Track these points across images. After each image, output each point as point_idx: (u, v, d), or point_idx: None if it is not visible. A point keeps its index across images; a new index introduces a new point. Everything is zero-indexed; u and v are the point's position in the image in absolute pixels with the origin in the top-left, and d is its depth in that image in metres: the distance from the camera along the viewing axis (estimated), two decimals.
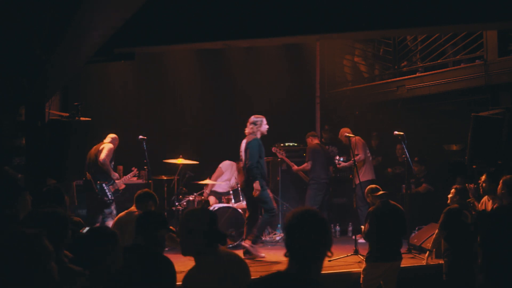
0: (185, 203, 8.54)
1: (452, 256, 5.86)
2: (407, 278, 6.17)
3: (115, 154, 8.06)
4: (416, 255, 7.17)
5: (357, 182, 8.20)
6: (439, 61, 8.40)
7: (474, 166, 6.72)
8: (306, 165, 8.90)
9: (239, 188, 8.09)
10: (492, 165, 6.33)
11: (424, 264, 6.39)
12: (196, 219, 3.09)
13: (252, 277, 3.21)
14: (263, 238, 8.65)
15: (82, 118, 5.89)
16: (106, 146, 7.88)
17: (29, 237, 2.10)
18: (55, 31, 3.91)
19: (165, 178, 8.70)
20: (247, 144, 7.56)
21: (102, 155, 7.77)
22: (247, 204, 7.84)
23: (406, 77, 8.96)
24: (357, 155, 8.60)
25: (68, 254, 3.11)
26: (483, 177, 5.90)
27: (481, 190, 5.98)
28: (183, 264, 3.37)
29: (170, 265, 3.49)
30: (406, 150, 7.71)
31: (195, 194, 8.76)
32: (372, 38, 9.70)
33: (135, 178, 8.93)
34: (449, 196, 6.07)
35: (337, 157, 9.16)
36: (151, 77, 10.29)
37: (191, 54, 10.11)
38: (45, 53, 4.39)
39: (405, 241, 6.86)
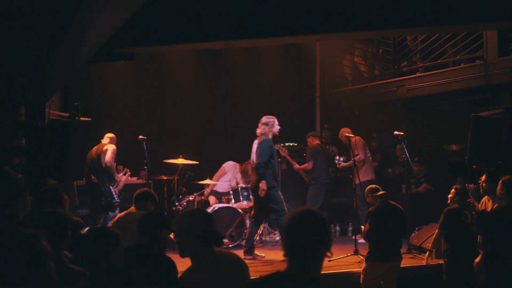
0: (185, 203, 8.55)
1: (452, 256, 5.86)
2: (407, 278, 6.17)
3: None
4: (416, 255, 7.16)
5: (357, 182, 8.20)
6: (439, 61, 8.40)
7: (474, 166, 6.72)
8: (308, 165, 8.90)
9: (250, 188, 8.07)
10: (492, 165, 6.33)
11: (424, 264, 6.39)
12: (191, 221, 3.10)
13: (252, 277, 3.21)
14: (263, 238, 8.66)
15: (82, 118, 5.89)
16: (110, 147, 7.82)
17: (27, 237, 2.10)
18: (55, 31, 3.91)
19: (165, 178, 8.70)
20: (259, 144, 7.56)
21: (107, 157, 7.72)
22: (254, 203, 7.81)
23: (406, 77, 8.95)
24: (357, 155, 8.60)
25: (68, 254, 3.11)
26: (483, 177, 5.90)
27: (481, 190, 5.98)
28: (183, 263, 3.36)
29: (171, 265, 3.49)
30: (406, 150, 7.71)
31: (195, 194, 8.76)
32: (372, 38, 9.69)
33: (135, 178, 8.93)
34: (449, 196, 6.07)
35: (337, 157, 9.16)
36: (151, 77, 10.29)
37: (191, 54, 10.11)
38: (45, 53, 4.39)
39: (405, 241, 6.86)
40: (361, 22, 4.86)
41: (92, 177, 7.68)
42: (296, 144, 9.71)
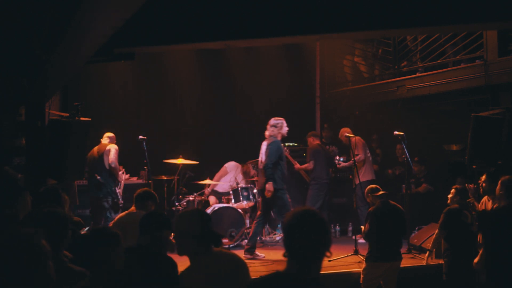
0: (185, 203, 8.54)
1: (452, 256, 5.86)
2: (407, 278, 6.17)
3: None
4: (416, 255, 7.16)
5: (357, 182, 8.20)
6: (439, 61, 8.40)
7: (474, 166, 6.71)
8: (308, 165, 8.90)
9: (257, 189, 8.06)
10: (492, 165, 6.33)
11: (424, 264, 6.39)
12: (188, 221, 3.11)
13: (252, 277, 3.21)
14: (263, 238, 8.66)
15: (82, 118, 5.89)
16: (112, 147, 7.80)
17: (27, 237, 2.10)
18: (55, 31, 3.91)
19: (165, 178, 8.70)
20: (267, 146, 7.55)
21: (112, 158, 7.70)
22: (261, 203, 7.78)
23: (406, 77, 8.95)
24: (357, 155, 8.60)
25: (68, 254, 3.11)
26: (483, 177, 5.90)
27: (481, 190, 5.98)
28: (184, 264, 3.36)
29: (171, 265, 3.49)
30: (406, 150, 7.71)
31: (195, 194, 8.76)
32: (372, 38, 9.69)
33: (135, 178, 8.93)
34: (449, 196, 6.07)
35: (337, 157, 9.16)
36: (151, 77, 10.29)
37: (191, 54, 10.11)
38: (45, 53, 4.39)
39: (405, 241, 6.86)
40: (361, 22, 4.86)
41: (98, 177, 7.63)
42: (296, 144, 9.71)
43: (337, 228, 9.19)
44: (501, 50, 7.22)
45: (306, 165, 8.98)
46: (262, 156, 7.64)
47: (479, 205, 6.07)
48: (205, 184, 8.99)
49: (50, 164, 5.65)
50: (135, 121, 10.00)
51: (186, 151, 8.86)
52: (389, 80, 9.37)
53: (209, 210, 8.32)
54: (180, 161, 8.48)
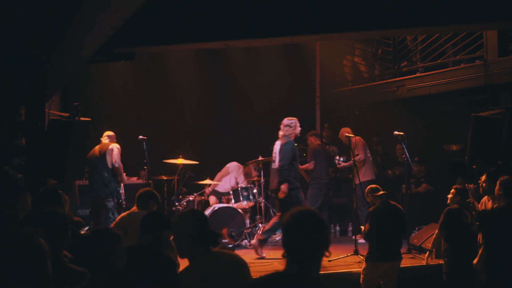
0: (185, 203, 8.54)
1: (452, 256, 5.86)
2: (407, 278, 6.17)
3: None
4: (416, 255, 7.16)
5: (357, 182, 8.20)
6: (439, 61, 8.40)
7: (474, 166, 6.71)
8: (309, 165, 8.90)
9: (270, 189, 8.06)
10: (492, 165, 6.33)
11: (424, 264, 6.39)
12: (183, 222, 3.12)
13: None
14: None
15: (82, 118, 5.89)
16: (115, 147, 7.78)
17: (27, 237, 2.10)
18: (55, 31, 3.91)
19: (165, 178, 8.70)
20: (282, 146, 7.55)
21: (115, 157, 7.68)
22: (280, 205, 7.70)
23: (406, 77, 8.95)
24: (357, 155, 8.60)
25: (68, 254, 3.11)
26: (483, 177, 5.90)
27: (481, 190, 5.98)
28: (184, 264, 3.37)
29: (171, 265, 3.49)
30: (406, 150, 7.71)
31: (195, 194, 8.76)
32: (372, 38, 9.69)
33: (135, 178, 8.93)
34: (449, 196, 6.06)
35: (337, 157, 9.16)
36: (151, 77, 10.29)
37: (191, 54, 10.11)
38: (45, 53, 4.39)
39: (405, 241, 6.86)
40: (361, 22, 4.86)
41: (106, 175, 7.59)
42: (296, 144, 9.69)
43: (337, 228, 9.19)
44: (501, 50, 7.22)
45: (306, 165, 8.97)
46: (275, 156, 7.63)
47: (479, 205, 6.06)
48: (205, 184, 8.99)
49: (50, 164, 5.65)
50: (135, 121, 10.00)
51: (186, 151, 8.86)
52: (389, 80, 9.37)
53: (209, 210, 8.32)
54: (180, 161, 8.48)
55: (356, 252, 7.20)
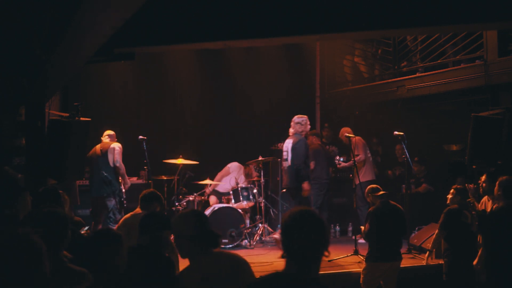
0: (185, 203, 8.54)
1: (452, 256, 5.86)
2: (407, 278, 6.17)
3: None
4: (416, 255, 7.16)
5: (357, 182, 8.19)
6: (439, 61, 8.40)
7: (474, 166, 6.72)
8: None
9: (283, 186, 8.05)
10: (492, 165, 6.33)
11: (424, 264, 6.39)
12: (183, 222, 3.12)
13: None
14: (263, 238, 8.66)
15: (82, 118, 5.89)
16: (116, 146, 7.75)
17: (25, 237, 2.10)
18: (55, 31, 3.91)
19: (165, 178, 8.70)
20: (294, 144, 7.56)
21: (117, 157, 7.66)
22: (295, 203, 7.70)
23: (406, 77, 8.95)
24: (358, 155, 8.60)
25: (67, 255, 3.11)
26: (483, 177, 5.90)
27: (481, 190, 5.98)
28: (185, 264, 3.37)
29: (170, 265, 3.49)
30: (406, 150, 7.71)
31: (195, 194, 8.75)
32: (372, 38, 9.69)
33: (135, 178, 8.93)
34: (449, 196, 6.06)
35: (337, 157, 9.15)
36: (151, 77, 10.29)
37: (191, 54, 10.11)
38: (45, 53, 4.39)
39: (405, 241, 6.86)
40: (361, 22, 4.86)
41: (105, 174, 7.59)
42: None
43: (337, 228, 9.19)
44: (501, 50, 7.22)
45: None
46: (287, 155, 7.63)
47: (479, 205, 6.06)
48: (205, 184, 8.99)
49: (50, 164, 5.65)
50: (135, 121, 9.99)
51: (186, 151, 8.86)
52: (389, 80, 9.37)
53: (209, 210, 8.32)
54: (180, 161, 8.48)
55: (356, 252, 7.20)
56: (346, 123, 9.70)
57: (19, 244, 2.07)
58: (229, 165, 9.34)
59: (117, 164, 7.66)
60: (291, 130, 7.70)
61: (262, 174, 9.08)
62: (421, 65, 8.81)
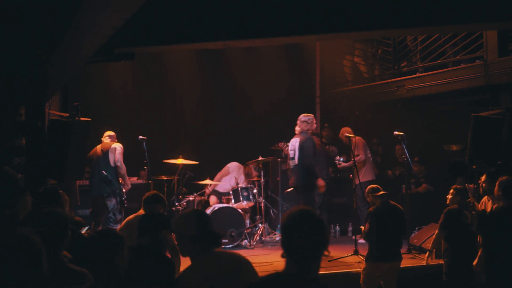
0: (185, 203, 8.54)
1: (452, 256, 5.86)
2: (407, 278, 6.17)
3: None
4: (416, 255, 7.16)
5: (357, 182, 8.19)
6: (439, 61, 8.40)
7: (474, 166, 6.71)
8: None
9: (292, 186, 8.06)
10: (492, 165, 6.33)
11: (424, 264, 6.39)
12: (184, 222, 3.12)
13: None
14: (263, 238, 8.66)
15: (82, 118, 5.89)
16: (118, 146, 7.75)
17: (25, 237, 2.10)
18: (55, 31, 3.91)
19: (165, 178, 8.70)
20: (302, 142, 7.61)
21: (118, 157, 7.66)
22: (304, 202, 7.69)
23: (406, 77, 8.95)
24: (358, 155, 8.60)
25: (67, 255, 3.11)
26: (483, 177, 5.90)
27: (481, 190, 5.98)
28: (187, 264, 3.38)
29: (170, 265, 3.49)
30: (406, 150, 7.71)
31: (195, 194, 8.76)
32: (372, 38, 9.69)
33: (135, 178, 8.93)
34: (448, 196, 6.06)
35: (338, 157, 9.16)
36: (151, 77, 10.29)
37: (191, 54, 10.11)
38: (45, 53, 4.39)
39: (405, 241, 6.86)
40: (361, 22, 4.85)
41: (105, 173, 7.59)
42: None
43: (337, 228, 9.19)
44: (501, 50, 7.22)
45: None
46: (294, 153, 7.67)
47: (479, 205, 6.06)
48: (205, 184, 8.99)
49: (50, 164, 5.65)
50: (135, 121, 9.99)
51: (186, 151, 8.86)
52: (389, 80, 9.37)
53: (209, 210, 8.32)
54: (180, 161, 8.48)
55: (356, 252, 7.20)
56: (346, 123, 9.70)
57: (19, 244, 2.07)
58: (228, 165, 9.34)
59: (118, 164, 7.66)
60: (297, 129, 7.77)
61: (262, 174, 9.08)
62: (421, 65, 8.81)
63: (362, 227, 6.02)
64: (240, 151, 9.94)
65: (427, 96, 8.56)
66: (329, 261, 6.65)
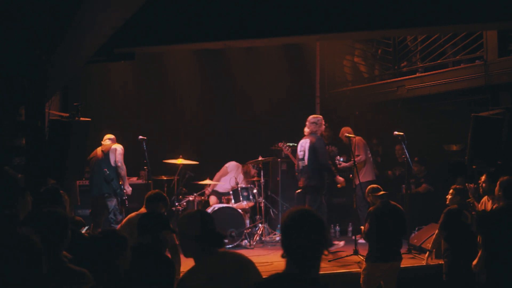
0: (185, 203, 8.54)
1: (452, 256, 5.86)
2: (407, 278, 6.17)
3: None
4: (416, 255, 7.16)
5: (357, 182, 8.20)
6: (439, 61, 8.40)
7: (474, 166, 6.72)
8: None
9: (299, 185, 8.07)
10: (492, 165, 6.33)
11: (424, 264, 6.39)
12: (188, 223, 3.11)
13: None
14: (263, 238, 8.66)
15: (82, 118, 5.89)
16: (119, 147, 7.74)
17: (26, 237, 2.10)
18: (55, 31, 3.91)
19: (165, 178, 8.69)
20: (313, 143, 7.66)
21: (118, 157, 7.65)
22: (310, 202, 7.71)
23: (406, 77, 8.95)
24: (358, 155, 8.60)
25: (67, 255, 3.11)
26: (483, 177, 5.90)
27: (481, 190, 5.98)
28: (188, 264, 3.38)
29: (170, 265, 3.49)
30: (406, 151, 7.71)
31: (195, 194, 8.76)
32: (372, 38, 9.69)
33: (134, 178, 8.92)
34: (448, 196, 6.06)
35: (338, 157, 9.16)
36: (151, 77, 10.29)
37: (191, 54, 10.11)
38: (45, 53, 4.39)
39: (405, 241, 6.86)
40: (361, 22, 4.85)
41: (107, 172, 7.58)
42: (296, 144, 9.68)
43: (337, 228, 9.18)
44: (501, 50, 7.23)
45: None
46: (303, 154, 7.71)
47: (479, 205, 6.06)
48: (205, 184, 8.99)
49: (50, 164, 5.65)
50: (135, 121, 9.99)
51: (186, 151, 8.86)
52: (389, 80, 9.37)
53: (209, 210, 8.32)
54: (180, 161, 8.48)
55: (356, 252, 7.20)
56: (346, 123, 9.69)
57: (19, 244, 2.07)
58: (226, 164, 9.34)
59: (119, 164, 7.66)
60: (306, 130, 7.84)
61: (262, 174, 9.08)
62: (421, 65, 8.81)
63: (362, 227, 6.02)
64: (240, 151, 9.94)
65: (427, 96, 8.56)
66: (329, 261, 6.65)
